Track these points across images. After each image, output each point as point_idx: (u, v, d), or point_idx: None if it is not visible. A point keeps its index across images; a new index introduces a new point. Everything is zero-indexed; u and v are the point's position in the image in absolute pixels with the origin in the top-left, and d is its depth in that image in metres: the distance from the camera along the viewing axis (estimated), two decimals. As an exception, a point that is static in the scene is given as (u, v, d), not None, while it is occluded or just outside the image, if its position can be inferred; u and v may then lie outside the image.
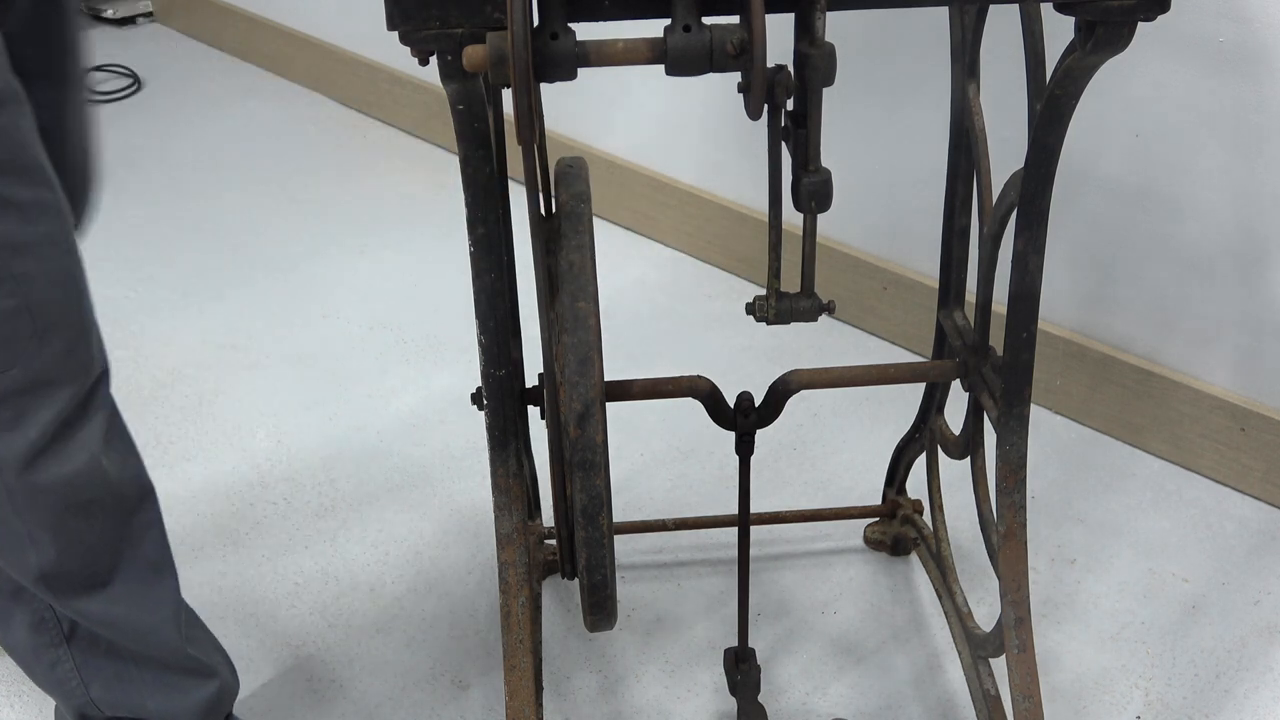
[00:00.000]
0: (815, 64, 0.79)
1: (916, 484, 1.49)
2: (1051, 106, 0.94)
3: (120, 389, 1.81)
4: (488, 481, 1.65)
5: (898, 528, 1.49)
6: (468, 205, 0.99)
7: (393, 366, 1.90)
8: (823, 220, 1.98)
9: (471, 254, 1.01)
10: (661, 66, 0.79)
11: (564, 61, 0.78)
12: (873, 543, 1.52)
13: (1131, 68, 1.51)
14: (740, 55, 0.77)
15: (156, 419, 1.78)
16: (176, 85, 2.93)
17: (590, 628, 1.09)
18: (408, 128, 2.66)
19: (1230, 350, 1.58)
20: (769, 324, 0.91)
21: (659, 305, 2.04)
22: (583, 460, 0.98)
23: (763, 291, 0.97)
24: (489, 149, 0.96)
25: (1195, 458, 1.63)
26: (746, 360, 1.88)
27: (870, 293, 1.91)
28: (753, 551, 1.50)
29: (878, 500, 1.54)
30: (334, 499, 1.63)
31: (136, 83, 2.89)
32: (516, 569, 1.10)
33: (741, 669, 1.27)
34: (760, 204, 2.05)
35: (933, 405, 1.34)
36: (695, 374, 1.17)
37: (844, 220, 1.90)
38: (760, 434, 1.21)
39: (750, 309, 0.94)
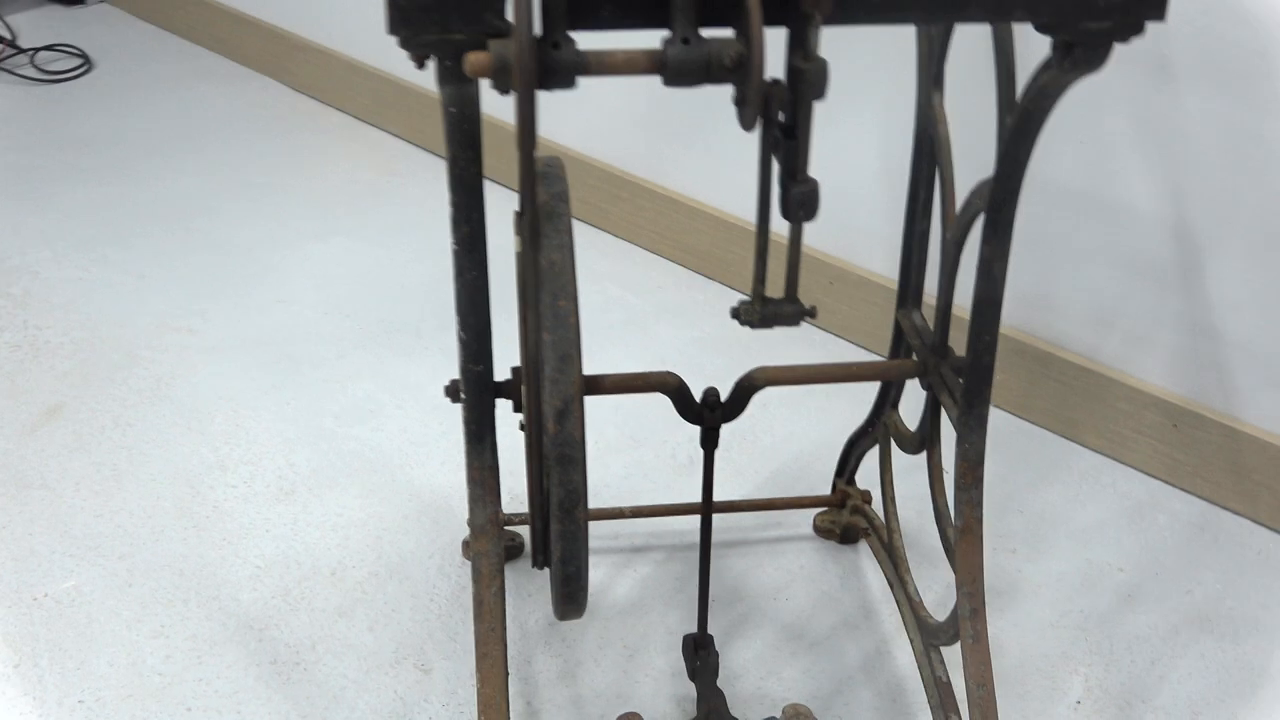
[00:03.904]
0: (808, 78, 0.83)
1: (864, 474, 1.54)
2: (1023, 121, 0.99)
3: (78, 370, 1.84)
4: (445, 467, 1.69)
5: (847, 517, 1.54)
6: (454, 205, 1.01)
7: (349, 352, 1.92)
8: (773, 217, 2.02)
9: (455, 252, 1.03)
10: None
11: (566, 70, 0.81)
12: (822, 531, 1.57)
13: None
14: (737, 69, 0.81)
15: (114, 401, 1.79)
16: (127, 67, 2.92)
17: (560, 616, 1.12)
18: (359, 114, 2.67)
19: (1165, 349, 1.64)
20: (753, 328, 0.95)
21: (610, 295, 2.07)
22: (561, 455, 1.01)
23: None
24: (478, 150, 0.98)
25: (1129, 452, 1.70)
26: (696, 351, 1.92)
27: (817, 287, 1.96)
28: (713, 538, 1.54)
29: (825, 489, 1.59)
30: (294, 483, 1.65)
31: (87, 63, 2.87)
32: (489, 559, 1.13)
33: (700, 655, 1.31)
34: (708, 197, 2.10)
35: (887, 401, 1.38)
36: (664, 370, 1.21)
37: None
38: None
39: (735, 313, 0.97)
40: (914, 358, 1.28)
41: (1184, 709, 1.36)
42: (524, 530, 1.55)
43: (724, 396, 1.21)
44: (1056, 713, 1.35)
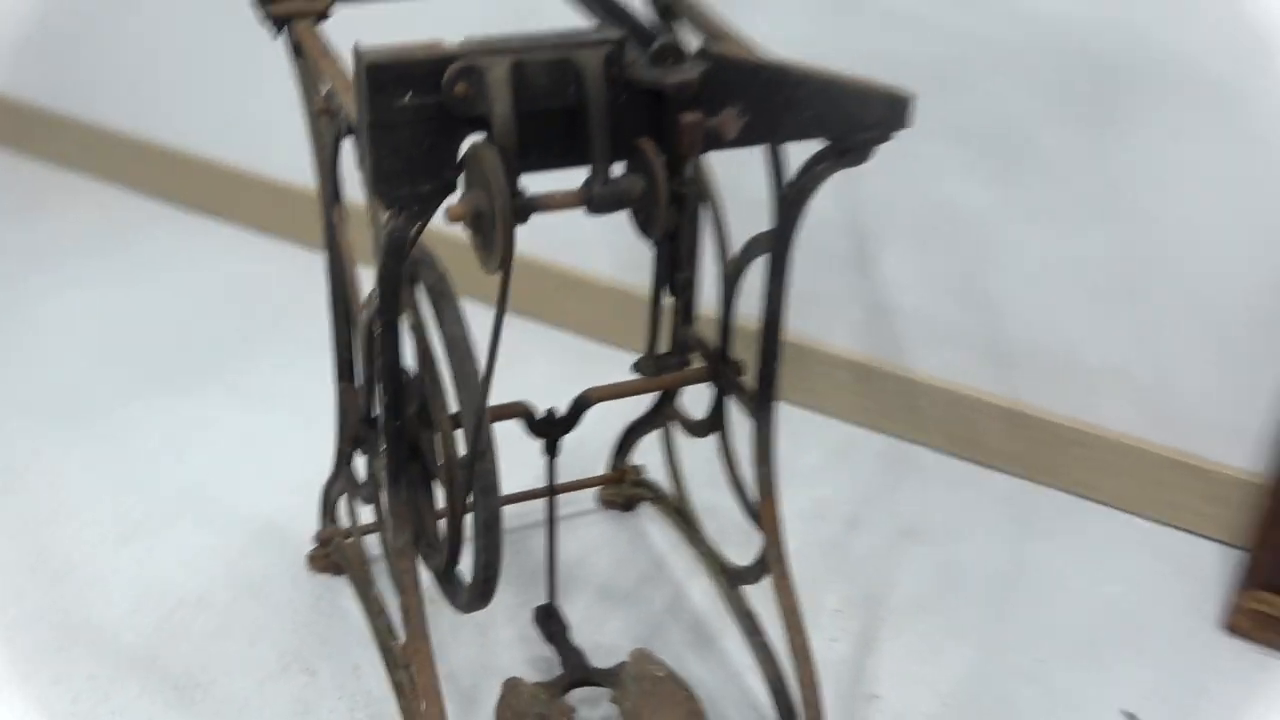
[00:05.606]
0: (687, 199, 1.13)
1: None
2: (798, 194, 1.32)
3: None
4: (270, 492, 1.90)
5: (629, 490, 1.87)
6: (380, 302, 1.25)
7: (138, 397, 2.07)
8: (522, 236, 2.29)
9: (378, 338, 1.28)
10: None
11: (527, 211, 1.08)
12: (607, 503, 1.89)
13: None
14: (643, 199, 1.11)
15: (-71, 472, 1.89)
16: None
17: (468, 610, 1.39)
18: (60, 163, 2.73)
19: (851, 321, 2.05)
20: (650, 377, 1.25)
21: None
22: (483, 486, 1.29)
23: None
24: (401, 262, 1.23)
25: (829, 404, 2.11)
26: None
27: (548, 289, 2.27)
28: (512, 523, 1.84)
29: (597, 468, 1.90)
30: (133, 524, 1.82)
31: None
32: (410, 573, 1.38)
33: (553, 620, 1.62)
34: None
35: (671, 396, 1.71)
36: (517, 400, 1.50)
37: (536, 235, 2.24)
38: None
39: (636, 366, 1.27)
40: (696, 365, 1.61)
41: (913, 606, 1.77)
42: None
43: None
44: (822, 621, 1.73)
